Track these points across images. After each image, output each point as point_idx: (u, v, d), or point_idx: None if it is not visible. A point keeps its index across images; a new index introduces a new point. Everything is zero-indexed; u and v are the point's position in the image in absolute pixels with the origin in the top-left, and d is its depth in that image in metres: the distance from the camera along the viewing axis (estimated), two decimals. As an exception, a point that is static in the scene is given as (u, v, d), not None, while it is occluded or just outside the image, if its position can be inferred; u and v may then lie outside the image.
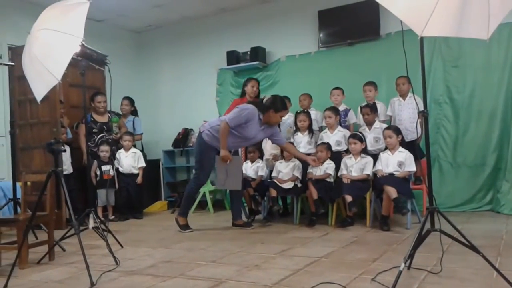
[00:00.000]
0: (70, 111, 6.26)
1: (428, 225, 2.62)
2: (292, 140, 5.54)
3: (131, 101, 6.91)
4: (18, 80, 5.44)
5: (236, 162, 4.89)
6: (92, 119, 6.29)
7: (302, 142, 5.42)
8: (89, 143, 6.00)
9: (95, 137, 6.28)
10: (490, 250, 3.08)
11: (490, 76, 5.45)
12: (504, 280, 2.38)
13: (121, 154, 6.29)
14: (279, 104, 4.74)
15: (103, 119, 6.39)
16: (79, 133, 6.24)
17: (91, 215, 3.85)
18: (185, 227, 4.97)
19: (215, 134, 4.74)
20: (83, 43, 3.62)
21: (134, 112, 7.02)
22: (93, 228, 3.95)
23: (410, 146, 4.84)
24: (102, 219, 5.00)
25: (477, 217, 4.94)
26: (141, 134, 6.92)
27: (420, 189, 5.01)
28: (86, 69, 4.01)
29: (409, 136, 5.04)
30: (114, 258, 3.50)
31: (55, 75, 3.44)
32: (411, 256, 2.62)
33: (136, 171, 6.30)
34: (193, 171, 5.16)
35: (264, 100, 4.87)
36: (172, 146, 7.52)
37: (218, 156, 4.77)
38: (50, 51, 3.52)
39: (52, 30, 3.49)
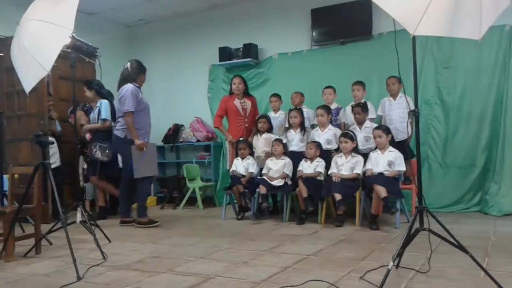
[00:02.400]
0: (59, 104, 6.19)
1: (417, 225, 2.63)
2: (284, 137, 5.54)
3: (88, 86, 6.07)
4: (6, 71, 5.37)
5: (151, 148, 5.11)
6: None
7: (295, 140, 5.43)
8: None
9: None
10: (478, 251, 3.10)
11: (480, 78, 5.48)
12: (491, 280, 2.39)
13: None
14: (142, 65, 5.31)
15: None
16: (79, 117, 5.87)
17: (79, 209, 3.81)
18: (151, 221, 5.04)
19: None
20: (74, 35, 3.58)
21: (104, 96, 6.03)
22: (80, 222, 3.92)
23: (400, 146, 4.86)
24: (90, 213, 4.98)
25: (465, 218, 4.97)
26: (108, 120, 5.67)
27: (409, 189, 5.03)
28: (76, 62, 3.96)
29: (399, 136, 5.06)
30: (102, 252, 3.47)
31: (44, 66, 3.40)
32: (399, 255, 2.63)
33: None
34: (123, 173, 5.14)
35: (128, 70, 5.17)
36: (162, 141, 7.48)
37: (133, 146, 4.87)
38: (40, 42, 3.47)
39: (42, 21, 3.44)
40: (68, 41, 3.57)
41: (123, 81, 5.08)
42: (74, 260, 2.99)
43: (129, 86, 5.00)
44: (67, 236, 3.15)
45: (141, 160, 4.89)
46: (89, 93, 5.93)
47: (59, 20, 3.40)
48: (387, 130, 4.74)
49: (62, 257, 3.54)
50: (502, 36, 5.35)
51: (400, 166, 4.62)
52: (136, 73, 5.13)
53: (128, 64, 5.06)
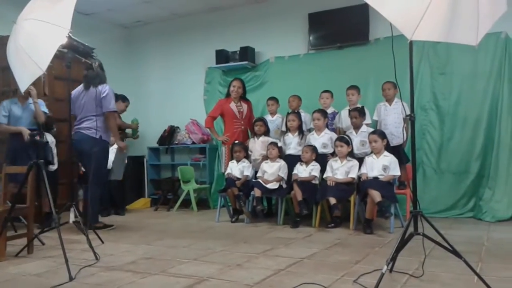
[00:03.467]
0: (54, 104, 6.16)
1: (411, 229, 2.63)
2: (281, 141, 5.54)
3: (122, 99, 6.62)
4: (2, 70, 5.34)
5: (126, 152, 5.01)
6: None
7: (293, 143, 5.43)
8: None
9: None
10: (471, 256, 3.09)
11: (476, 84, 5.51)
12: (484, 285, 2.40)
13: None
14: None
15: (119, 120, 6.50)
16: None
17: (72, 210, 3.79)
18: (106, 226, 4.95)
19: (105, 130, 4.81)
20: (70, 34, 3.57)
21: None
22: (73, 222, 3.90)
23: (395, 150, 4.87)
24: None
25: (459, 224, 4.98)
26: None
27: (403, 194, 5.03)
28: (72, 62, 3.96)
29: (394, 141, 5.06)
30: (94, 253, 3.45)
31: (40, 65, 3.39)
32: (393, 259, 2.62)
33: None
34: (92, 176, 4.59)
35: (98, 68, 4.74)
36: (157, 143, 7.46)
37: (117, 148, 4.79)
38: (36, 41, 3.46)
39: (39, 20, 3.43)
40: (64, 40, 3.56)
41: (97, 78, 4.78)
42: (66, 261, 2.97)
43: (108, 86, 4.87)
44: (59, 237, 3.13)
45: (119, 163, 4.87)
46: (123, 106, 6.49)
47: (56, 20, 3.39)
48: (382, 135, 4.75)
49: (54, 257, 3.52)
50: (497, 43, 5.38)
51: (395, 170, 4.63)
52: (104, 74, 4.91)
53: (97, 63, 4.79)
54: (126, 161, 5.23)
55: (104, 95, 4.80)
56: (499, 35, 5.35)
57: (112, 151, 5.84)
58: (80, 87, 4.94)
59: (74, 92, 4.85)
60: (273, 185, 5.17)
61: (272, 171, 5.26)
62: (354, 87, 5.39)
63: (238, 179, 5.40)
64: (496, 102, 5.38)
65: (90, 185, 4.64)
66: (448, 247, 2.53)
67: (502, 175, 5.23)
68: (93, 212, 4.77)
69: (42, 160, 3.53)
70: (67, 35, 3.53)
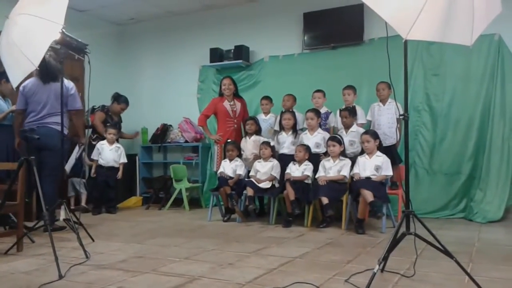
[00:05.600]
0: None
1: (403, 229, 2.63)
2: (274, 139, 5.53)
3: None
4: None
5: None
6: (110, 114, 6.66)
7: (286, 142, 5.42)
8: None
9: None
10: (463, 256, 3.11)
11: (469, 86, 5.53)
12: (475, 286, 2.40)
13: (104, 146, 6.22)
14: None
15: (116, 118, 6.78)
16: (96, 118, 6.54)
17: (62, 207, 3.76)
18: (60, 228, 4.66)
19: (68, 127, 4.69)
20: (63, 30, 3.54)
21: None
22: (64, 220, 3.87)
23: (388, 151, 4.88)
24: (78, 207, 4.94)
25: (450, 224, 5.00)
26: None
27: (395, 194, 5.05)
28: (65, 58, 3.92)
29: (387, 141, 5.08)
30: (85, 251, 3.41)
31: (33, 61, 3.36)
32: (385, 258, 2.62)
33: (116, 165, 6.28)
34: (50, 172, 4.46)
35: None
36: (150, 141, 7.43)
37: (82, 146, 4.72)
38: (29, 36, 3.44)
39: (32, 15, 3.41)
40: (57, 36, 3.54)
41: (56, 72, 4.45)
42: (56, 259, 2.94)
43: (72, 83, 4.70)
44: (49, 234, 3.10)
45: (76, 160, 4.82)
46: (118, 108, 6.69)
47: (49, 15, 3.37)
48: (375, 135, 4.76)
49: (44, 255, 3.48)
50: (491, 45, 5.41)
51: (387, 171, 4.64)
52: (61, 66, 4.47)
53: (49, 54, 4.45)
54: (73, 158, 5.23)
55: (71, 92, 4.64)
56: (492, 37, 5.38)
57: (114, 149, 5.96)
58: (34, 79, 4.61)
59: (27, 85, 4.57)
60: (265, 185, 5.17)
61: (264, 170, 5.25)
62: (350, 87, 5.39)
63: (231, 178, 5.38)
64: (489, 104, 5.41)
65: (48, 183, 4.37)
66: (440, 247, 2.54)
67: (493, 177, 5.26)
68: (53, 212, 4.38)
69: (33, 157, 3.50)
70: (60, 31, 3.50)
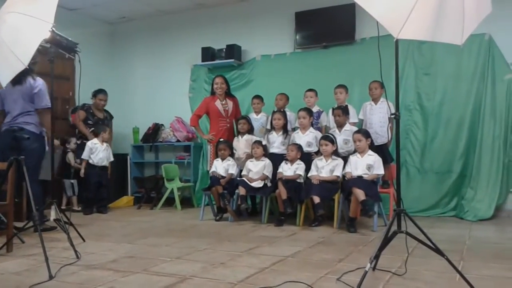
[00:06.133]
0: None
1: (394, 227, 2.64)
2: (265, 139, 5.53)
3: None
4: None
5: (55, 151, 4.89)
6: (91, 111, 6.53)
7: (276, 142, 5.41)
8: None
9: (88, 129, 6.43)
10: (454, 254, 3.12)
11: (459, 85, 5.57)
12: (466, 284, 2.41)
13: (97, 146, 6.18)
14: None
15: (100, 115, 6.60)
16: (76, 117, 6.46)
17: (53, 207, 3.73)
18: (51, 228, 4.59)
19: (42, 128, 4.55)
20: (53, 29, 3.51)
21: None
22: (54, 220, 3.84)
23: (379, 150, 4.90)
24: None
25: (441, 222, 5.02)
26: None
27: (387, 193, 5.07)
28: (55, 57, 3.89)
29: (379, 140, 5.09)
30: (75, 251, 3.39)
31: (22, 60, 3.32)
32: (376, 257, 2.63)
33: (107, 165, 6.28)
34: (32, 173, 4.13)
35: None
36: (141, 140, 7.39)
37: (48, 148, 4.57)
38: (18, 35, 3.39)
39: (21, 13, 3.36)
40: (47, 35, 3.50)
41: (28, 71, 4.27)
42: (47, 259, 2.91)
43: (41, 81, 4.52)
44: (39, 235, 3.07)
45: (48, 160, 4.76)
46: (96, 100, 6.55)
47: (39, 13, 3.33)
48: (366, 134, 4.77)
49: (34, 256, 3.45)
50: (481, 44, 5.44)
51: (379, 169, 4.66)
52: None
53: None
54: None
55: (36, 91, 4.49)
56: (482, 37, 5.41)
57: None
58: None
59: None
60: (257, 184, 5.16)
61: (257, 170, 5.25)
62: (341, 86, 5.40)
63: (223, 177, 5.37)
64: (479, 103, 5.45)
65: (31, 183, 4.34)
66: (431, 245, 2.55)
67: (484, 175, 5.30)
68: (42, 212, 4.40)
69: (22, 157, 3.47)
70: (51, 29, 3.47)
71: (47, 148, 4.57)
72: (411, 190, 5.61)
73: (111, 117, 6.88)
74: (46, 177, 4.85)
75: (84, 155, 6.10)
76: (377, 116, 5.21)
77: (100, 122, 6.48)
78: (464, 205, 5.28)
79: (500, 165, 5.27)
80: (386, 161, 4.89)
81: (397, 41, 2.54)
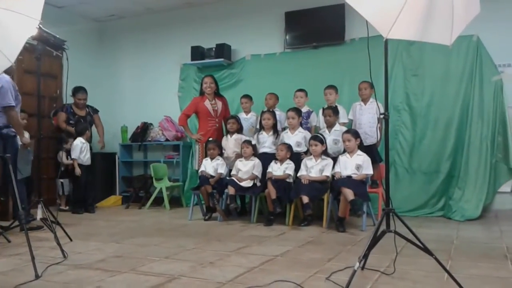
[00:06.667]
0: (24, 98, 5.94)
1: (383, 227, 2.65)
2: (255, 138, 5.52)
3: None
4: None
5: (26, 148, 4.84)
6: (72, 110, 6.46)
7: (267, 142, 5.41)
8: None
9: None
10: (442, 254, 3.13)
11: (448, 86, 5.60)
12: (454, 283, 2.43)
13: (85, 145, 6.15)
14: None
15: (82, 113, 6.52)
16: (58, 119, 6.42)
17: (39, 206, 3.68)
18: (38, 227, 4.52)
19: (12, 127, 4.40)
20: (40, 25, 3.46)
21: None
22: (41, 219, 3.79)
23: (369, 150, 4.91)
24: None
25: (429, 222, 5.05)
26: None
27: (376, 193, 5.09)
28: (43, 55, 3.84)
29: (368, 140, 5.11)
30: (62, 251, 3.36)
31: (9, 57, 3.27)
32: (365, 256, 2.63)
33: (89, 163, 6.26)
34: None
35: None
36: (130, 139, 7.34)
37: (21, 145, 4.52)
38: (4, 31, 3.33)
39: (7, 9, 3.30)
40: (34, 32, 3.45)
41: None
42: (33, 258, 2.88)
43: (6, 77, 4.29)
44: (26, 234, 3.03)
45: (26, 159, 4.72)
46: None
47: (25, 10, 3.27)
48: (356, 134, 4.78)
49: (21, 255, 3.41)
50: (469, 46, 5.49)
51: (368, 169, 4.67)
52: None
53: None
54: (32, 158, 5.10)
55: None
56: (470, 38, 5.45)
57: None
58: None
59: None
60: (247, 183, 5.15)
61: (246, 169, 5.24)
62: (331, 87, 5.41)
63: (212, 176, 5.35)
64: (467, 104, 5.49)
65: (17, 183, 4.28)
66: (420, 245, 2.56)
67: (471, 176, 5.34)
68: (28, 211, 4.37)
69: (8, 155, 3.42)
70: (38, 26, 3.42)
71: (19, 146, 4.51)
72: (399, 190, 5.63)
73: (96, 111, 6.73)
74: (27, 173, 4.82)
75: (75, 155, 6.04)
76: (366, 116, 5.23)
77: (81, 121, 6.39)
78: (452, 205, 5.31)
79: (488, 166, 5.31)
80: (375, 161, 4.91)
81: (386, 41, 2.54)
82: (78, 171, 6.01)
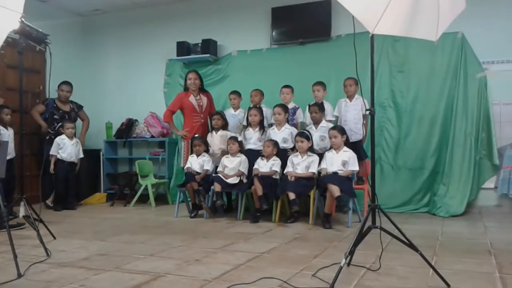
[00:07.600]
0: (6, 94, 5.92)
1: (369, 223, 2.65)
2: (241, 135, 5.49)
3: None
4: None
5: (3, 147, 4.78)
6: (55, 105, 6.35)
7: (253, 138, 5.38)
8: (49, 130, 6.25)
9: (55, 124, 6.28)
10: (427, 250, 3.15)
11: (432, 83, 5.65)
12: (439, 278, 2.45)
13: (65, 141, 6.06)
14: None
15: (66, 107, 6.43)
16: (33, 110, 6.31)
17: (22, 203, 3.61)
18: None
19: None
20: (23, 19, 3.39)
21: None
22: (23, 217, 3.72)
23: (354, 146, 4.92)
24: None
25: (415, 218, 5.09)
26: None
27: (361, 189, 5.11)
28: (25, 50, 3.76)
29: (353, 137, 5.12)
30: (45, 249, 3.30)
31: (-11, 51, 3.21)
32: (351, 252, 2.64)
33: (76, 161, 6.19)
34: None
35: None
36: (114, 136, 7.26)
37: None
38: (-15, 25, 3.26)
39: (-12, 2, 3.24)
40: (16, 25, 3.37)
41: None
42: (15, 257, 2.82)
43: None
44: (8, 232, 2.97)
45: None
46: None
47: (7, 3, 3.20)
48: (342, 131, 4.79)
49: (2, 254, 3.35)
50: (454, 43, 5.53)
51: (354, 166, 4.69)
52: None
53: None
54: (6, 158, 5.01)
55: None
56: (455, 35, 5.49)
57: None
58: None
59: None
60: (233, 180, 5.13)
61: (232, 166, 5.21)
62: (319, 83, 5.40)
63: (198, 173, 5.32)
64: (452, 101, 5.53)
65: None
66: (405, 240, 2.57)
67: (456, 172, 5.38)
68: (11, 209, 4.38)
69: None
70: (20, 20, 3.35)
71: None
72: (384, 186, 5.66)
73: (80, 107, 6.67)
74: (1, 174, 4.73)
75: (53, 151, 5.98)
76: (352, 113, 5.25)
77: (66, 116, 6.32)
78: (437, 201, 5.36)
79: (472, 162, 5.36)
80: (360, 157, 4.92)
81: (372, 36, 2.54)
82: (51, 167, 5.93)
